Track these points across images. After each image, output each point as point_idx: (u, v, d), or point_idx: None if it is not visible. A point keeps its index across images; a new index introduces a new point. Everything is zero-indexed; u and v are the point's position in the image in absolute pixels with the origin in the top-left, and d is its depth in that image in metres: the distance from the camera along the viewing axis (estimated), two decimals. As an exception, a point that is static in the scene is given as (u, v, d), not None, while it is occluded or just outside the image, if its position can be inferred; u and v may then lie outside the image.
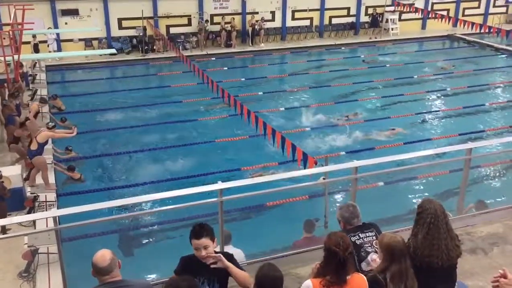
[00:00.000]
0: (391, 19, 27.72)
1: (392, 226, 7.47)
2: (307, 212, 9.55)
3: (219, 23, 24.95)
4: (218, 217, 5.72)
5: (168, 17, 24.28)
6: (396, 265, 3.98)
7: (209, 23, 24.86)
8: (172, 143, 14.28)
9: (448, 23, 23.56)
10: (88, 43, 23.19)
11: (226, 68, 21.95)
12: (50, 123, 12.24)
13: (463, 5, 29.54)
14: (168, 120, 15.87)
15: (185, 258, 4.12)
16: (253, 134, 12.95)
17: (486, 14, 29.96)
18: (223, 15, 24.98)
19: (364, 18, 27.87)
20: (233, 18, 25.08)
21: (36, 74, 19.39)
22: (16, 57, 15.18)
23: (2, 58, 14.41)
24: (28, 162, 11.35)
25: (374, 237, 4.57)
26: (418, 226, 4.15)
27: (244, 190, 6.02)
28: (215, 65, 22.03)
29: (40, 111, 14.30)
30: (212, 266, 3.95)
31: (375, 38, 27.05)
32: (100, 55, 22.08)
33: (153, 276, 7.48)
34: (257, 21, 25.18)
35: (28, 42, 20.15)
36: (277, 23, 26.33)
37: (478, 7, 30.13)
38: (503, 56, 24.73)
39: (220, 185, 5.63)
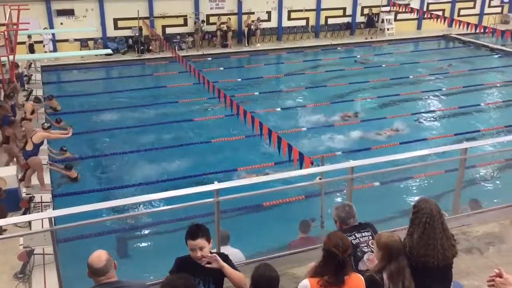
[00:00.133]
0: (386, 19, 27.75)
1: (388, 226, 7.48)
2: (303, 212, 9.53)
3: (215, 23, 24.90)
4: (214, 217, 5.71)
5: (164, 17, 24.20)
6: (394, 264, 3.99)
7: (205, 23, 24.80)
8: (168, 143, 14.24)
9: (444, 23, 23.67)
10: (83, 43, 23.10)
11: (222, 68, 21.89)
12: (45, 124, 12.21)
13: (458, 5, 29.59)
14: (164, 121, 15.82)
15: (180, 259, 4.12)
16: (249, 134, 12.95)
17: (481, 14, 30.04)
18: (219, 15, 24.93)
19: (360, 18, 27.86)
20: (229, 18, 25.02)
21: (32, 75, 19.29)
22: (11, 57, 15.14)
23: (-3, 59, 14.40)
24: (24, 162, 11.31)
25: (370, 237, 4.59)
26: (413, 226, 4.17)
27: (241, 190, 6.03)
28: (211, 65, 21.97)
29: (35, 111, 14.25)
30: (207, 266, 3.95)
31: (371, 38, 27.06)
32: (96, 55, 21.98)
33: (149, 276, 7.45)
34: (253, 21, 25.14)
35: (24, 43, 20.10)
36: (273, 23, 26.30)
37: (474, 7, 30.20)
38: (498, 56, 24.79)
39: (216, 186, 5.62)
